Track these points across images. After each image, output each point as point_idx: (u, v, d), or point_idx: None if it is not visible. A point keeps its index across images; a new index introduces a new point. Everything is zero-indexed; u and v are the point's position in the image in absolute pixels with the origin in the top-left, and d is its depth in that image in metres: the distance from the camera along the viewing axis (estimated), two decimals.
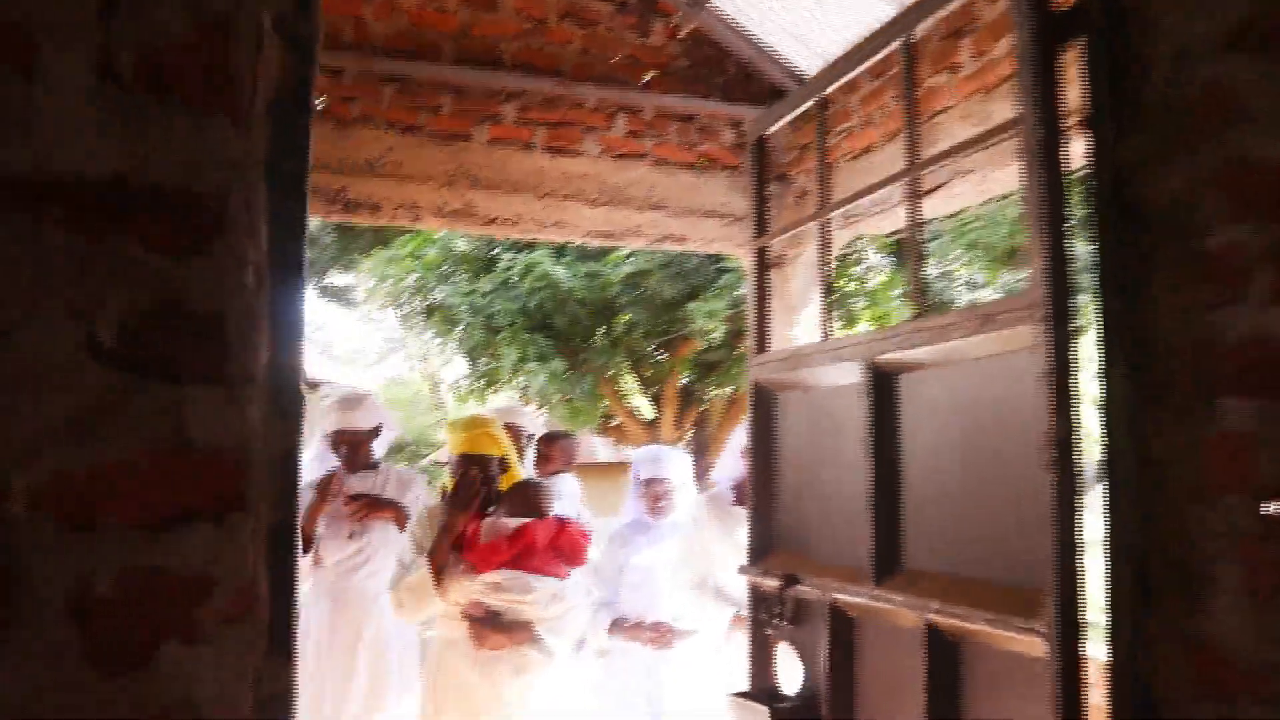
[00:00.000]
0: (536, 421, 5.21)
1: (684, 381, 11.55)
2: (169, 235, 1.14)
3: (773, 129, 2.92)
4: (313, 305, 28.50)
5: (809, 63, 5.91)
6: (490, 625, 3.75)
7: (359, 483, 4.70)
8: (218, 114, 1.19)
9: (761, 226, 2.87)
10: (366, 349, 29.46)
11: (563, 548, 3.87)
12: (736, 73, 6.15)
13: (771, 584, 2.66)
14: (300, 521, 3.83)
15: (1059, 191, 1.81)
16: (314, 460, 4.91)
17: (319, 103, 5.46)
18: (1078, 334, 1.82)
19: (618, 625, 4.74)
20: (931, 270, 10.81)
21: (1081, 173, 1.92)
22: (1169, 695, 1.69)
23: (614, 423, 12.00)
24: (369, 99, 5.53)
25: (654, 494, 4.74)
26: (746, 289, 6.50)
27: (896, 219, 5.85)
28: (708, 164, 6.20)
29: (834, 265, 6.65)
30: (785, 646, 2.63)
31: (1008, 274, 9.70)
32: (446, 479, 4.18)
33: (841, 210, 2.57)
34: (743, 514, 4.25)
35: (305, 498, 4.74)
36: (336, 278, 17.59)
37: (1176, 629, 1.69)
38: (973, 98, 4.88)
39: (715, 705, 4.16)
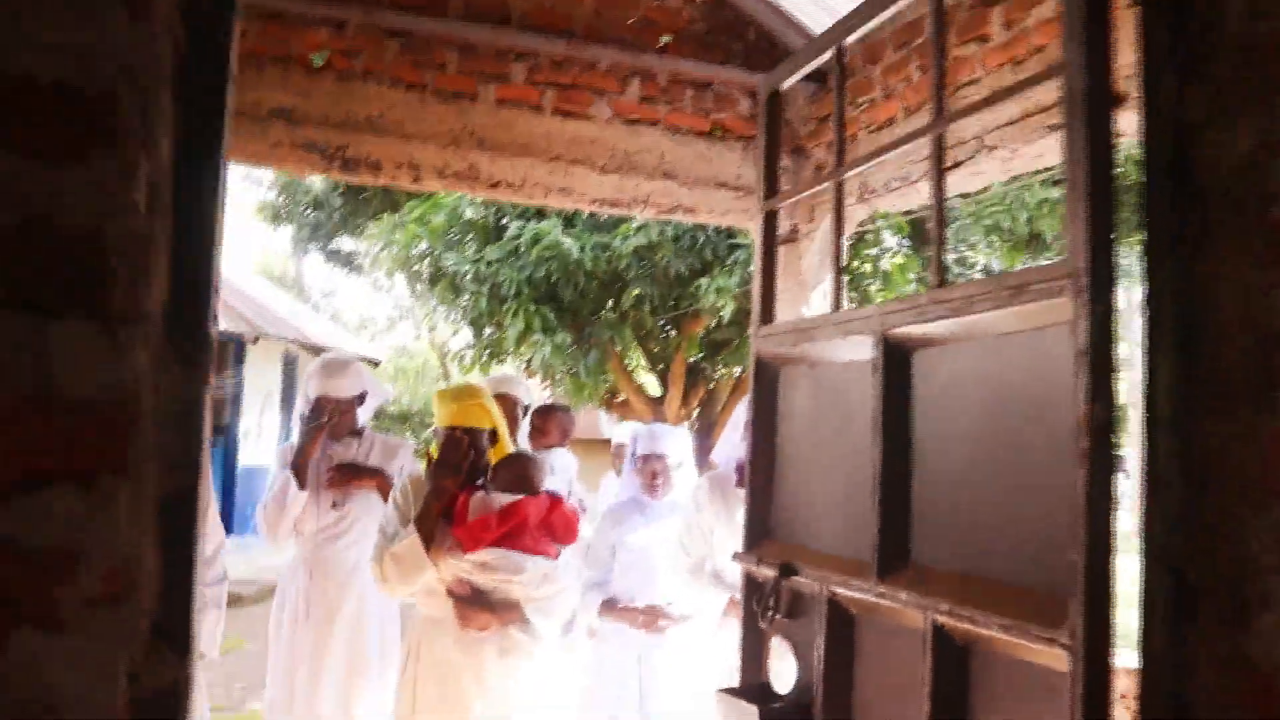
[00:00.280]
0: (532, 392, 5.01)
1: (692, 359, 11.33)
2: (41, 138, 0.94)
3: (787, 84, 2.70)
4: (320, 271, 28.37)
5: None
6: (477, 604, 3.56)
7: (342, 450, 4.52)
8: (112, 4, 1.00)
9: (771, 189, 2.65)
10: (376, 317, 29.30)
11: (554, 526, 3.68)
12: (756, 39, 5.92)
13: (766, 573, 2.47)
14: (296, 455, 3.61)
15: (1104, 147, 1.60)
16: (298, 425, 4.73)
17: (319, 56, 5.26)
18: (1117, 311, 1.62)
19: (609, 606, 4.56)
20: (947, 255, 10.56)
21: (1125, 141, 1.71)
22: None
23: (619, 399, 11.80)
24: (372, 53, 5.33)
25: (650, 471, 4.55)
26: (753, 275, 6.31)
27: (914, 196, 5.64)
28: (722, 133, 5.98)
29: (848, 242, 6.42)
30: (779, 641, 2.43)
31: (1028, 260, 9.45)
32: (434, 451, 3.99)
33: (858, 172, 2.36)
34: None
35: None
36: (344, 243, 17.42)
37: (1219, 647, 1.48)
38: (1002, 69, 4.66)
39: (707, 694, 3.98)
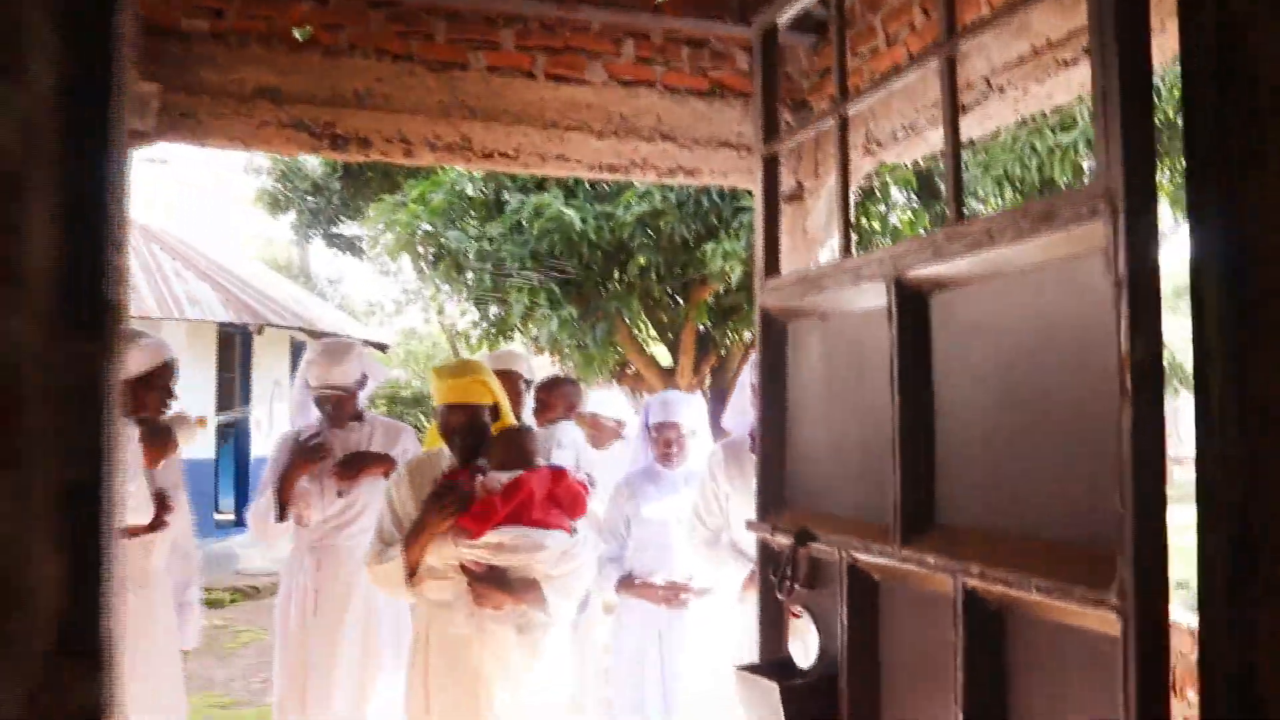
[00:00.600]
0: (535, 367, 4.85)
1: (701, 327, 11.16)
2: None
3: (783, 18, 2.53)
4: (326, 258, 28.24)
5: None
6: (494, 582, 3.39)
7: (345, 436, 4.36)
8: None
9: (770, 132, 2.48)
10: (383, 301, 29.12)
11: (560, 498, 3.52)
12: None
13: (782, 542, 2.31)
14: (275, 486, 3.46)
15: (1138, 46, 1.42)
16: (295, 412, 4.58)
17: (302, 31, 5.09)
18: (1159, 233, 1.45)
19: (626, 583, 4.42)
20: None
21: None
22: (1276, 693, 1.34)
23: (629, 371, 11.64)
24: (356, 26, 5.16)
25: (664, 440, 4.39)
26: (755, 223, 6.13)
27: (921, 145, 5.44)
28: (721, 92, 5.79)
29: (855, 198, 6.23)
30: (799, 613, 2.28)
31: None
32: (433, 433, 3.84)
33: (864, 105, 2.19)
34: None
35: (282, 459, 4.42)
36: (346, 228, 17.26)
37: None
38: (1011, 7, 4.46)
39: (729, 669, 3.84)
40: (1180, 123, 1.42)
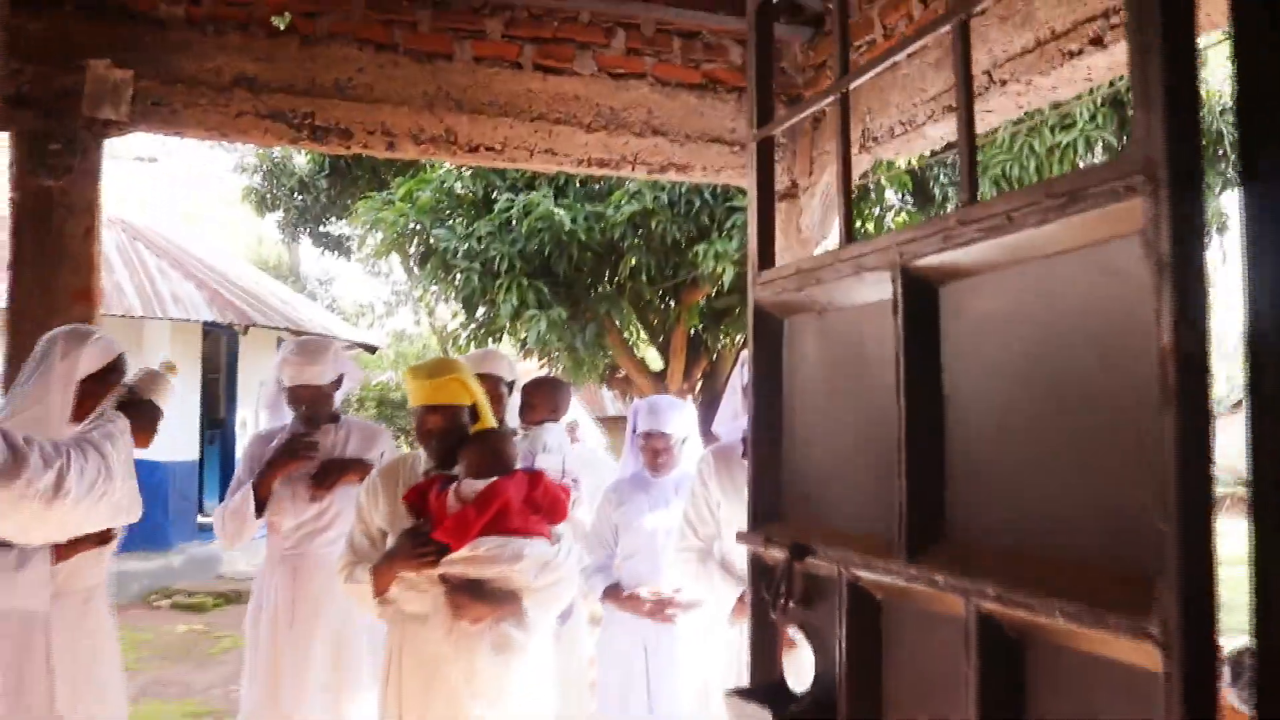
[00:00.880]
0: (517, 368, 4.67)
1: (693, 330, 10.99)
2: None
3: None
4: (316, 258, 28.01)
5: None
6: (473, 593, 3.21)
7: (319, 438, 4.17)
8: None
9: (765, 114, 2.31)
10: (373, 303, 28.95)
11: (539, 502, 3.34)
12: None
13: (776, 555, 2.14)
14: (253, 481, 3.27)
15: None
16: (269, 411, 4.40)
17: (282, 18, 4.92)
18: (1205, 211, 1.28)
19: (613, 594, 4.25)
20: (945, 209, 10.20)
21: None
22: None
23: (619, 374, 11.47)
24: (337, 13, 4.99)
25: (651, 449, 4.22)
26: (748, 213, 5.97)
27: (919, 142, 5.29)
28: (714, 86, 5.64)
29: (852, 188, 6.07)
30: (794, 634, 2.11)
31: None
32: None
33: (867, 79, 2.02)
34: None
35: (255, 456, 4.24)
36: (334, 226, 17.05)
37: None
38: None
39: (718, 686, 3.66)
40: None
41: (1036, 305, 1.52)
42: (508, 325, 9.93)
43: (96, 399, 3.31)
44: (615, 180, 9.32)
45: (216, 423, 15.31)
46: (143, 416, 3.06)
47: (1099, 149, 8.49)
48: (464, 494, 3.26)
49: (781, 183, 5.79)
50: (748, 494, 2.34)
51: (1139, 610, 1.26)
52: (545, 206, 9.20)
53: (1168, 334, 1.21)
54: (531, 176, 9.69)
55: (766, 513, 2.28)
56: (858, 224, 9.66)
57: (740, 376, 3.85)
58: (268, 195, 16.10)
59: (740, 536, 2.29)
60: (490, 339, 10.48)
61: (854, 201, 9.13)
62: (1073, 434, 1.44)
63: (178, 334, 13.78)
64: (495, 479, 3.25)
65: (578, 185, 9.68)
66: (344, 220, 15.46)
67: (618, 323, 10.55)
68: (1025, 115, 5.97)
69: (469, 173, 10.06)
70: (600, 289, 10.00)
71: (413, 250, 10.47)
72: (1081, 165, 8.40)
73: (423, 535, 3.24)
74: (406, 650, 3.36)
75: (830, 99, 2.04)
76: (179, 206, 28.78)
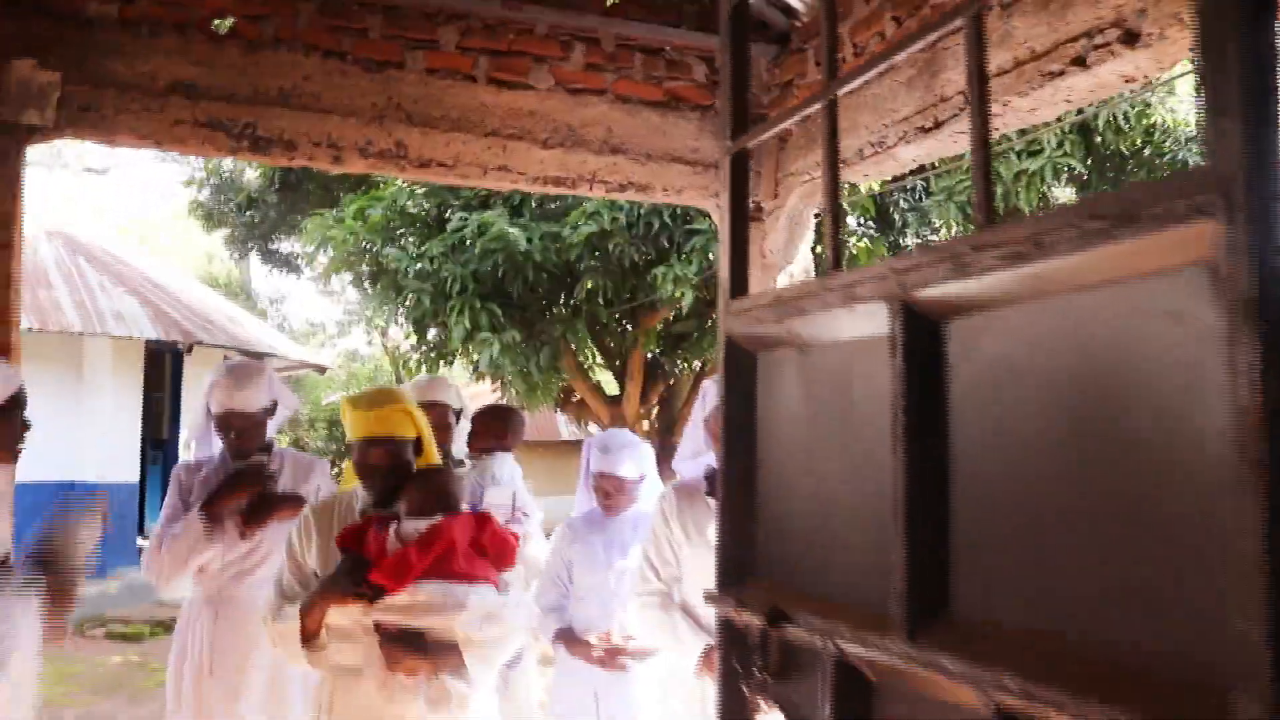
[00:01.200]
0: (465, 395, 4.40)
1: (650, 354, 10.75)
2: None
3: None
4: (260, 276, 27.53)
5: None
6: (409, 645, 2.93)
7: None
8: None
9: (740, 126, 2.08)
10: (325, 323, 28.47)
11: (486, 547, 3.07)
12: None
13: (749, 620, 1.89)
14: (211, 498, 2.89)
15: None
16: (196, 440, 4.09)
17: (224, 23, 4.64)
18: None
19: (565, 636, 3.98)
20: (906, 238, 10.06)
21: None
22: None
23: (574, 399, 11.20)
24: (283, 17, 4.72)
25: (603, 490, 3.97)
26: (719, 235, 5.75)
27: (889, 164, 5.10)
28: (676, 103, 5.42)
29: (814, 218, 5.88)
30: (769, 709, 1.86)
31: None
32: (348, 473, 3.37)
33: (860, 83, 1.79)
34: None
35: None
36: (283, 244, 16.64)
37: None
38: (988, 15, 4.14)
39: None
40: None
41: (1068, 347, 1.29)
42: (460, 348, 9.64)
43: (3, 435, 3.01)
44: (572, 200, 9.09)
45: (159, 443, 14.87)
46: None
47: (1065, 177, 8.39)
48: (405, 534, 2.99)
49: (724, 195, 5.57)
50: (716, 548, 2.09)
51: None
52: (500, 226, 8.94)
53: (1250, 390, 0.98)
54: (486, 195, 9.43)
55: (738, 570, 2.03)
56: (816, 249, 9.49)
57: (701, 409, 3.62)
58: (215, 210, 15.68)
59: (709, 597, 2.04)
60: (442, 362, 10.18)
61: (817, 224, 8.96)
62: (1115, 503, 1.21)
63: (119, 352, 13.36)
64: (439, 519, 2.99)
65: (534, 205, 9.43)
66: (294, 237, 15.08)
67: (573, 346, 10.29)
68: (993, 141, 5.81)
69: (421, 190, 9.78)
70: (556, 311, 9.74)
71: (364, 270, 10.17)
72: (1049, 192, 8.31)
73: (360, 570, 2.96)
74: (337, 704, 3.08)
75: (816, 106, 1.81)
76: (129, 220, 28.20)
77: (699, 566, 3.47)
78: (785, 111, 1.98)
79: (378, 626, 2.95)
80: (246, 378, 3.90)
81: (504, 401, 9.66)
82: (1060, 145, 8.28)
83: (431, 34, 4.96)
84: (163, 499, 3.98)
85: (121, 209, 28.44)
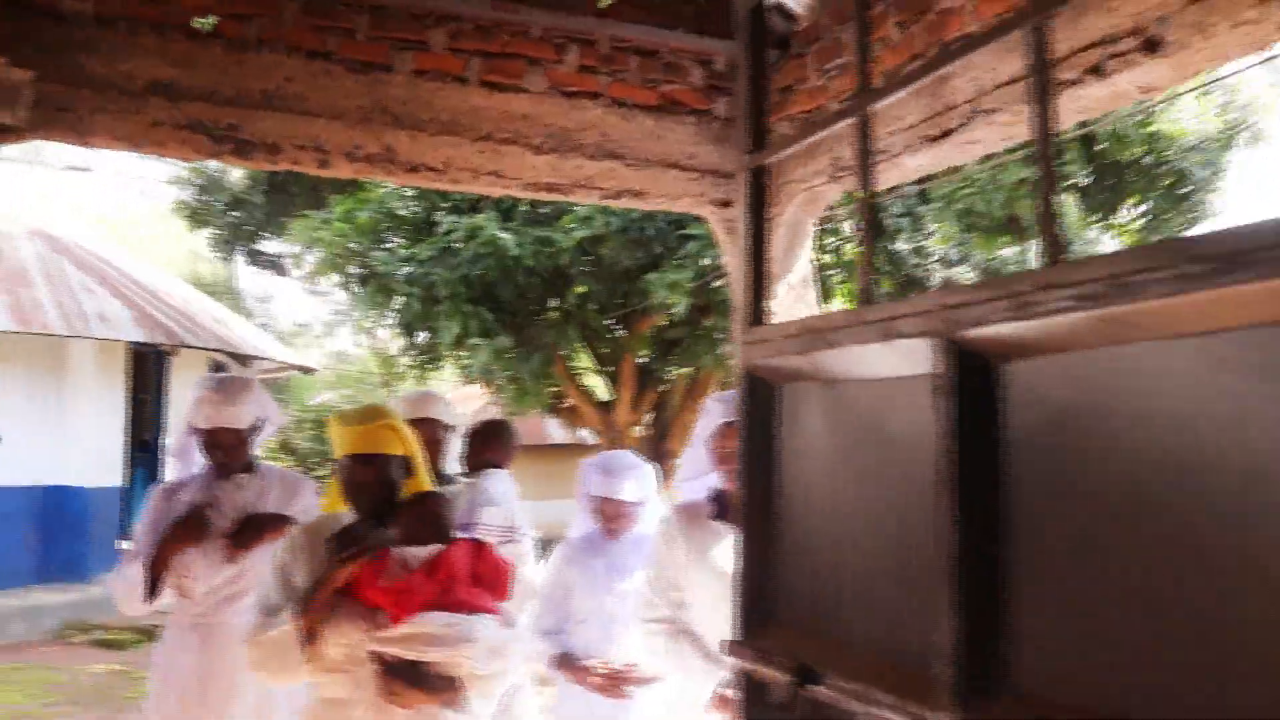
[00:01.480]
0: (457, 411, 4.24)
1: (642, 360, 10.61)
2: None
3: None
4: (246, 275, 27.31)
5: None
6: (409, 678, 2.77)
7: (234, 490, 3.70)
8: None
9: (759, 139, 1.93)
10: (312, 323, 28.24)
11: (484, 576, 2.92)
12: (709, 1, 5.23)
13: (773, 676, 1.75)
14: (148, 557, 2.74)
15: None
16: (177, 458, 3.93)
17: (205, 22, 4.47)
18: None
19: (563, 661, 3.83)
20: (901, 245, 9.92)
21: None
22: None
23: (565, 403, 11.05)
24: (268, 17, 4.54)
25: (605, 515, 3.83)
26: (725, 249, 5.60)
27: (894, 172, 4.96)
28: (673, 107, 5.26)
29: (815, 228, 5.75)
30: None
31: (1005, 247, 8.78)
32: (330, 490, 3.21)
33: (902, 96, 1.66)
34: (725, 532, 3.32)
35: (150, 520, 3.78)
36: (269, 244, 16.43)
37: None
38: (1000, 19, 4.00)
39: None
40: None
41: (1148, 400, 1.15)
42: (449, 353, 9.48)
43: None
44: (563, 204, 8.95)
45: (144, 445, 14.66)
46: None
47: (1064, 186, 8.28)
48: (405, 561, 2.84)
49: (740, 214, 5.44)
50: (735, 591, 1.94)
51: None
52: (490, 230, 8.78)
53: None
54: (476, 199, 9.27)
55: (759, 618, 1.89)
56: (815, 256, 9.36)
57: (704, 427, 3.48)
58: (200, 210, 15.47)
59: (730, 648, 1.90)
60: (431, 367, 10.02)
61: (818, 233, 8.84)
62: (1195, 578, 1.07)
63: (103, 354, 13.15)
64: (442, 547, 2.84)
65: (525, 209, 9.28)
66: (280, 238, 14.89)
67: (564, 352, 10.14)
68: (1002, 150, 5.68)
69: (410, 193, 9.62)
70: (547, 317, 9.58)
71: (352, 272, 10.00)
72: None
73: (349, 539, 2.82)
74: None
75: (848, 120, 1.67)
76: (112, 218, 27.94)
77: (703, 590, 3.34)
78: (809, 125, 1.84)
79: (377, 657, 2.79)
80: (234, 393, 3.74)
81: (496, 412, 9.51)
82: (1059, 154, 8.16)
83: (421, 35, 4.80)
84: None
85: (104, 207, 28.14)
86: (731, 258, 5.47)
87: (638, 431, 11.06)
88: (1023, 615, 1.33)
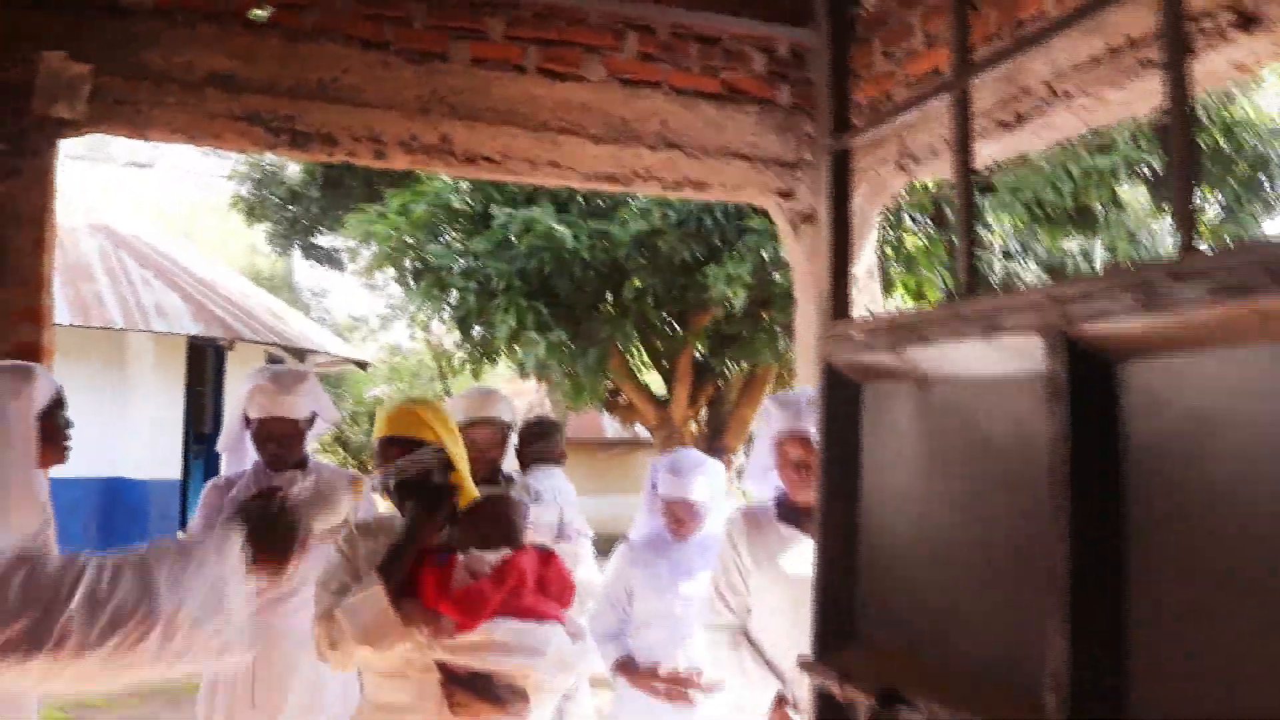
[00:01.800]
0: (517, 408, 4.15)
1: (699, 355, 10.48)
2: None
3: None
4: (303, 269, 27.55)
5: None
6: (478, 689, 2.66)
7: (285, 485, 3.64)
8: None
9: (842, 121, 1.81)
10: (367, 316, 28.41)
11: (549, 584, 2.82)
12: None
13: (854, 697, 1.63)
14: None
15: None
16: (230, 452, 3.87)
17: (260, 14, 4.42)
18: None
19: (625, 667, 3.73)
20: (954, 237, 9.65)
21: None
22: None
23: (621, 399, 10.95)
24: (324, 7, 4.49)
25: (674, 515, 3.72)
26: (786, 241, 5.46)
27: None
28: (735, 95, 5.14)
29: (879, 214, 5.60)
30: None
31: (1073, 239, 8.52)
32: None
33: (998, 70, 1.53)
34: (791, 537, 3.22)
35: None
36: (325, 238, 16.49)
37: None
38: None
39: None
40: None
41: None
42: (505, 347, 9.42)
43: (55, 439, 2.84)
44: (620, 196, 8.84)
45: (201, 438, 14.79)
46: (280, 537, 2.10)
47: (1136, 176, 8.01)
48: (475, 565, 2.73)
49: (804, 204, 5.31)
50: (814, 605, 1.82)
51: None
52: (546, 223, 8.69)
53: None
54: (532, 191, 9.18)
55: (838, 634, 1.76)
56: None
57: (765, 426, 3.36)
58: (257, 205, 15.56)
59: (805, 665, 1.78)
60: (486, 360, 9.97)
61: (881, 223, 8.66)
62: None
63: (161, 348, 13.28)
64: (511, 552, 2.74)
65: (581, 201, 9.18)
66: (336, 232, 14.94)
67: (621, 346, 10.03)
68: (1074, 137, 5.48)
69: (466, 186, 9.57)
70: (603, 311, 9.48)
71: (407, 266, 9.97)
72: (1119, 190, 7.92)
73: (433, 498, 2.75)
74: None
75: (942, 96, 1.54)
76: (173, 214, 28.29)
77: (768, 595, 3.23)
78: (897, 106, 1.71)
79: (441, 666, 2.69)
80: (290, 383, 3.68)
81: (545, 408, 9.43)
82: (1133, 140, 7.89)
83: (478, 24, 4.72)
84: None
85: (164, 202, 28.50)
86: (793, 250, 5.33)
87: (693, 428, 10.94)
88: (1143, 641, 1.19)
